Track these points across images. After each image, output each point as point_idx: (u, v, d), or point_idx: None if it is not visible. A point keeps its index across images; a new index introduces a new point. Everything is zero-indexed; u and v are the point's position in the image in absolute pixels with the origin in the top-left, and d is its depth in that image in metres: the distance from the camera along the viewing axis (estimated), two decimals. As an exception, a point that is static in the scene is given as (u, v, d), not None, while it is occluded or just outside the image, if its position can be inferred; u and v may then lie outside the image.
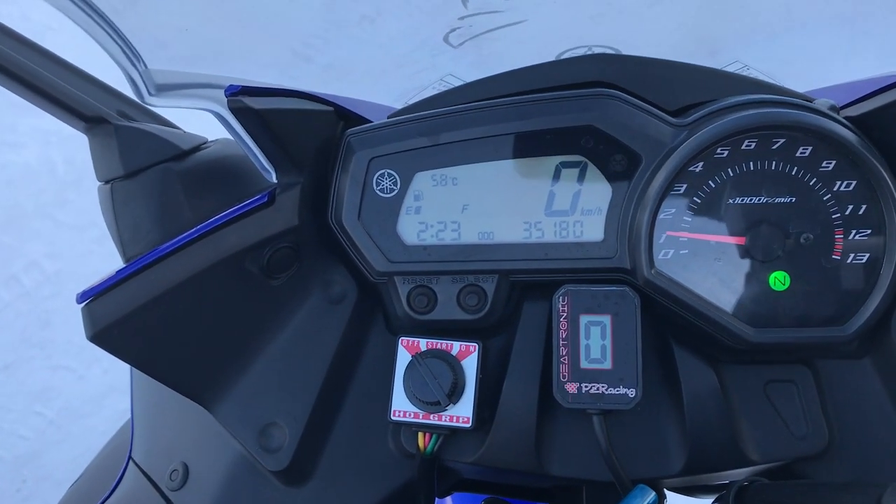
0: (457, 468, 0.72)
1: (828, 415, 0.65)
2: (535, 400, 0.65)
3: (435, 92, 0.69)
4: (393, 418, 0.64)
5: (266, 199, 0.63)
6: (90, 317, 0.58)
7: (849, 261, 0.61)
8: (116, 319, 0.59)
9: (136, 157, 0.64)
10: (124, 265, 0.61)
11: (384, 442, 0.69)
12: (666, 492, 0.89)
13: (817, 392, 0.65)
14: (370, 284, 0.69)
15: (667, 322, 0.65)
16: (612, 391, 0.62)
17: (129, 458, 0.75)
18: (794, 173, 0.61)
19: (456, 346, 0.65)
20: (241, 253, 0.63)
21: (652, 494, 0.56)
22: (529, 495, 0.78)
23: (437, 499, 0.99)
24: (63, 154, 3.22)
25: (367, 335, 0.70)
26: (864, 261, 0.61)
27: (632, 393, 0.62)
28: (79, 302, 0.58)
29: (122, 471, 0.75)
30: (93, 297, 0.58)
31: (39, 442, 2.67)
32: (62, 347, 2.85)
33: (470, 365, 0.65)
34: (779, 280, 0.62)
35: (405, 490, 0.69)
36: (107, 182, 0.65)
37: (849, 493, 0.48)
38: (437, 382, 0.63)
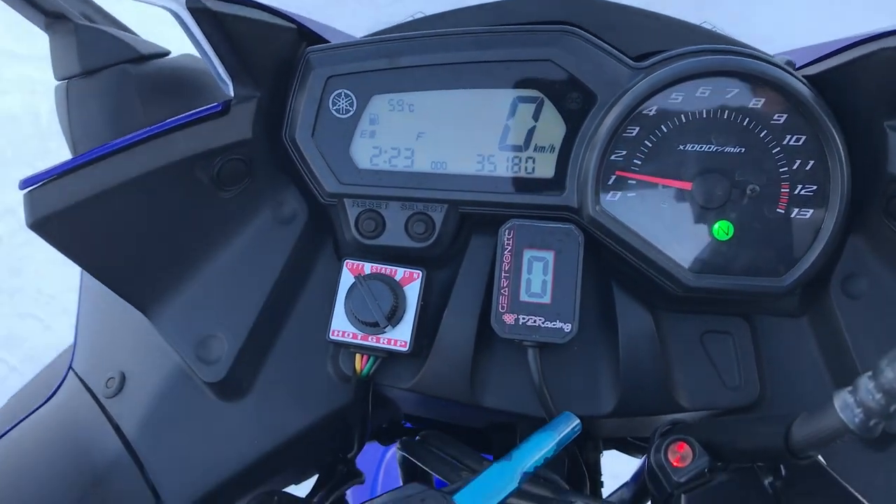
0: (394, 400, 0.72)
1: (761, 369, 0.66)
2: (473, 331, 0.65)
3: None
4: (331, 337, 0.64)
5: (220, 108, 0.63)
6: (31, 204, 0.58)
7: (792, 215, 0.62)
8: (58, 210, 0.58)
9: (95, 56, 0.64)
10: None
11: (323, 365, 0.69)
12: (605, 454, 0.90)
13: (753, 346, 0.66)
14: (320, 208, 0.69)
15: (609, 265, 0.66)
16: (549, 325, 0.62)
17: (70, 367, 0.75)
18: (745, 124, 0.62)
19: (400, 272, 0.65)
20: (191, 159, 0.63)
21: (576, 422, 0.56)
22: (464, 438, 0.79)
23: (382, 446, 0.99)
24: (48, 104, 3.19)
25: (313, 259, 0.70)
26: (807, 216, 0.62)
27: (567, 328, 0.62)
28: (21, 188, 0.58)
29: (60, 380, 0.75)
30: (36, 185, 0.58)
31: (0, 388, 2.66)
32: (31, 296, 2.83)
33: (412, 291, 0.65)
34: (722, 230, 0.62)
35: (340, 415, 0.69)
36: (63, 79, 0.65)
37: (763, 424, 0.49)
38: (378, 304, 0.63)
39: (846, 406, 0.42)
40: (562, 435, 0.55)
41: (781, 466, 0.52)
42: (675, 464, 0.52)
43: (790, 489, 0.52)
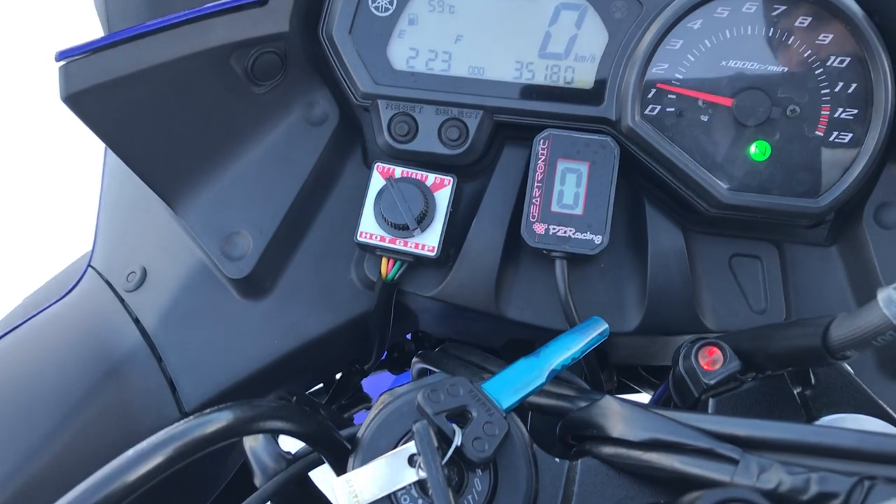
0: (414, 312, 0.72)
1: (788, 295, 0.65)
2: (501, 241, 0.65)
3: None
4: (359, 239, 0.64)
5: None
6: (66, 77, 0.57)
7: (831, 138, 0.61)
8: (92, 85, 0.58)
9: None
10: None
11: (346, 271, 0.68)
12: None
13: (781, 272, 0.65)
14: (351, 113, 0.68)
15: (643, 181, 0.65)
16: (579, 236, 0.62)
17: (88, 265, 0.75)
18: (790, 42, 0.61)
19: (431, 178, 0.65)
20: (227, 48, 0.62)
21: (605, 326, 0.56)
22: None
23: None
24: None
25: (341, 165, 0.69)
26: (845, 141, 0.61)
27: (598, 239, 0.62)
28: (57, 60, 0.57)
29: (79, 277, 0.74)
30: (71, 58, 0.57)
31: None
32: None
33: (442, 197, 0.64)
34: (760, 149, 0.62)
35: (361, 322, 0.69)
36: None
37: (799, 326, 0.48)
38: (408, 206, 0.63)
39: (891, 301, 0.42)
40: (589, 338, 0.55)
41: (812, 376, 0.52)
42: (705, 367, 0.52)
43: (819, 399, 0.52)
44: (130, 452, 0.41)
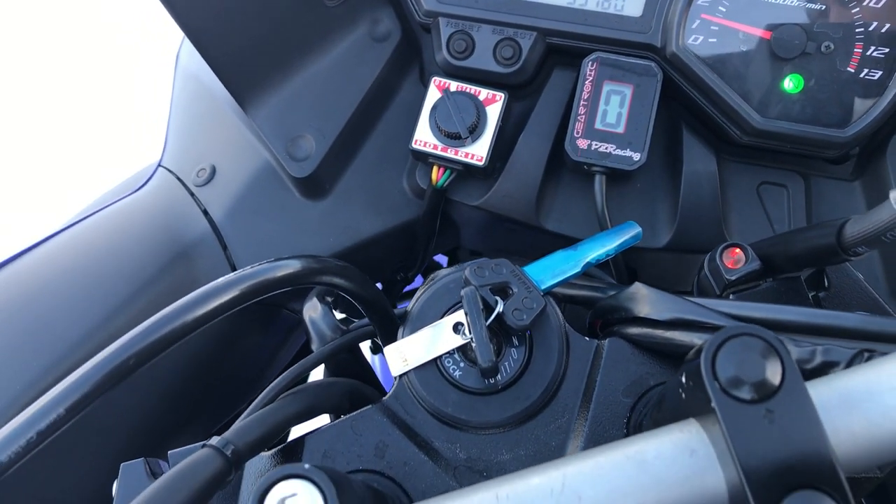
0: (458, 225, 0.77)
1: (811, 223, 0.70)
2: (545, 155, 0.70)
3: None
4: (414, 147, 0.69)
5: None
6: None
7: (861, 75, 0.65)
8: None
9: None
10: None
11: (399, 179, 0.74)
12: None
13: (805, 202, 0.70)
14: (411, 32, 0.73)
15: (682, 108, 0.70)
16: (619, 152, 0.67)
17: (159, 165, 0.81)
18: None
19: (484, 93, 0.70)
20: None
21: (638, 230, 0.61)
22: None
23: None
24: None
25: (400, 80, 0.74)
26: (875, 78, 0.65)
27: (637, 156, 0.67)
28: (153, -43, 0.62)
29: (150, 175, 0.81)
30: None
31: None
32: None
33: (493, 111, 0.69)
34: (794, 82, 0.66)
35: (409, 227, 0.74)
36: None
37: (816, 228, 0.53)
38: (461, 117, 0.68)
39: None
40: (623, 238, 0.60)
41: (826, 280, 0.56)
42: (728, 266, 0.56)
43: (831, 301, 0.56)
44: (212, 285, 0.47)
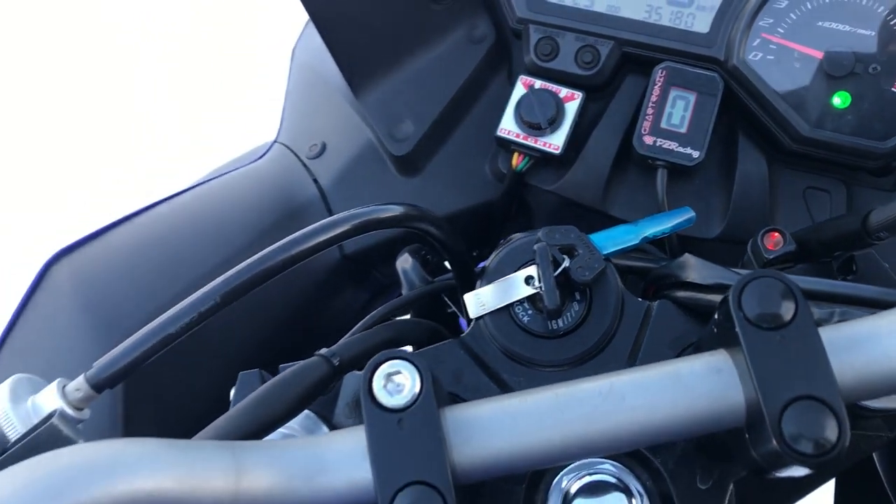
0: (532, 209, 0.87)
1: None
2: (614, 150, 0.79)
3: None
4: (499, 134, 0.79)
5: None
6: None
7: None
8: None
9: None
10: None
11: (482, 163, 0.84)
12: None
13: (847, 208, 0.78)
14: (504, 37, 0.84)
15: (739, 115, 0.78)
16: (681, 150, 0.76)
17: (275, 141, 0.93)
18: (879, 10, 0.73)
19: (564, 91, 0.80)
20: None
21: (692, 214, 0.70)
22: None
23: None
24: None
25: (490, 78, 0.85)
26: None
27: (696, 154, 0.76)
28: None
29: (266, 149, 0.93)
30: None
31: None
32: None
33: (571, 108, 0.79)
34: (841, 98, 0.74)
35: (488, 208, 0.85)
36: None
37: (845, 217, 0.61)
38: (543, 110, 0.78)
39: None
40: (679, 220, 0.69)
41: (854, 265, 0.65)
42: (768, 247, 0.65)
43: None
44: (333, 217, 0.57)
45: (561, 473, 0.58)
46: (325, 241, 0.57)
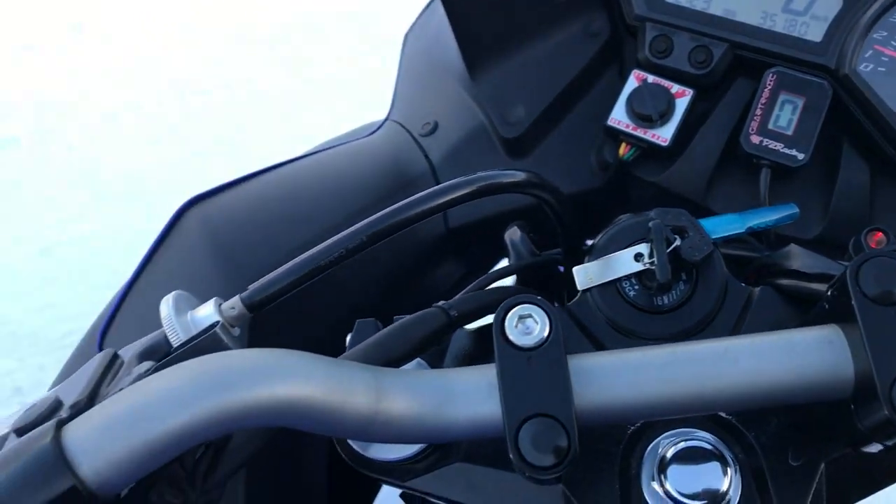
0: (633, 198, 0.90)
1: None
2: (720, 148, 0.82)
3: None
4: (609, 124, 0.83)
5: None
6: None
7: None
8: None
9: None
10: None
11: (588, 153, 0.88)
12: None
13: None
14: (618, 33, 0.87)
15: (845, 123, 0.81)
16: (786, 151, 0.79)
17: (387, 119, 0.98)
18: None
19: (675, 87, 0.83)
20: None
21: (796, 210, 0.73)
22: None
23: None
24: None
25: (602, 71, 0.89)
26: None
27: (801, 156, 0.78)
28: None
29: (378, 125, 0.98)
30: None
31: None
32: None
33: (681, 103, 0.82)
34: (950, 112, 0.76)
35: (589, 195, 0.88)
36: None
37: None
38: (654, 103, 0.81)
39: None
40: (783, 214, 0.72)
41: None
42: (871, 246, 0.68)
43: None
44: (456, 180, 0.62)
45: (658, 438, 0.61)
46: (457, 199, 0.61)
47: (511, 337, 0.51)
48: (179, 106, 3.29)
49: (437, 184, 0.88)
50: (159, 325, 0.58)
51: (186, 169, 3.06)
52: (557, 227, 0.70)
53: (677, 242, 0.64)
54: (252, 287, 0.56)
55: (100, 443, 0.42)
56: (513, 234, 0.75)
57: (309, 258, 0.56)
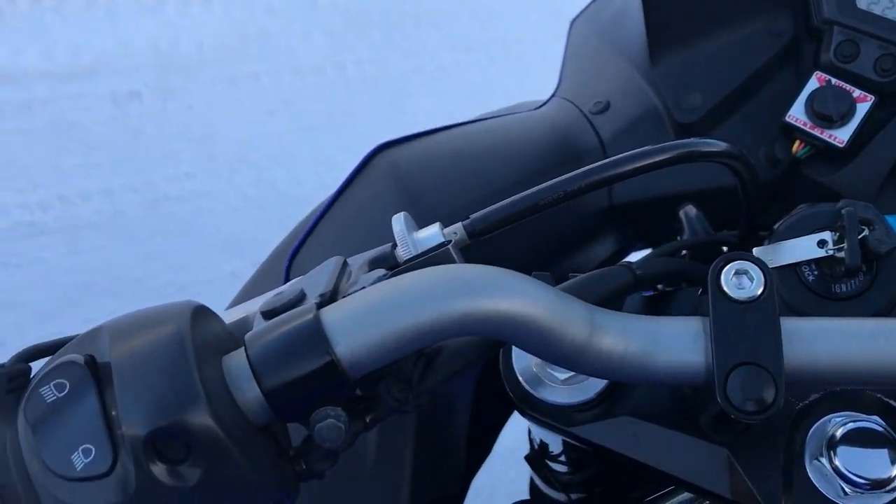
0: (797, 195, 0.92)
1: None
2: (895, 156, 0.83)
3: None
4: (786, 120, 0.85)
5: None
6: None
7: None
8: None
9: None
10: None
11: (757, 148, 0.90)
12: None
13: None
14: (801, 34, 0.89)
15: None
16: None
17: (553, 95, 1.01)
18: None
19: (857, 92, 0.84)
20: None
21: None
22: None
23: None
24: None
25: (777, 72, 0.91)
26: None
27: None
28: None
29: (545, 101, 1.01)
30: None
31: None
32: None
33: (862, 108, 0.84)
34: None
35: (755, 189, 0.90)
36: None
37: None
38: (837, 104, 0.83)
39: None
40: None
41: None
42: None
43: None
44: (651, 147, 0.64)
45: (828, 417, 0.63)
46: (659, 162, 0.64)
47: (726, 289, 0.54)
48: (296, 82, 3.39)
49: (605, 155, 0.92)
50: (344, 253, 0.62)
51: (296, 142, 3.15)
52: (743, 206, 0.72)
53: (865, 233, 0.66)
54: (473, 216, 0.60)
55: (356, 326, 0.47)
56: (689, 210, 0.78)
57: (529, 195, 0.60)
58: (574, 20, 1.10)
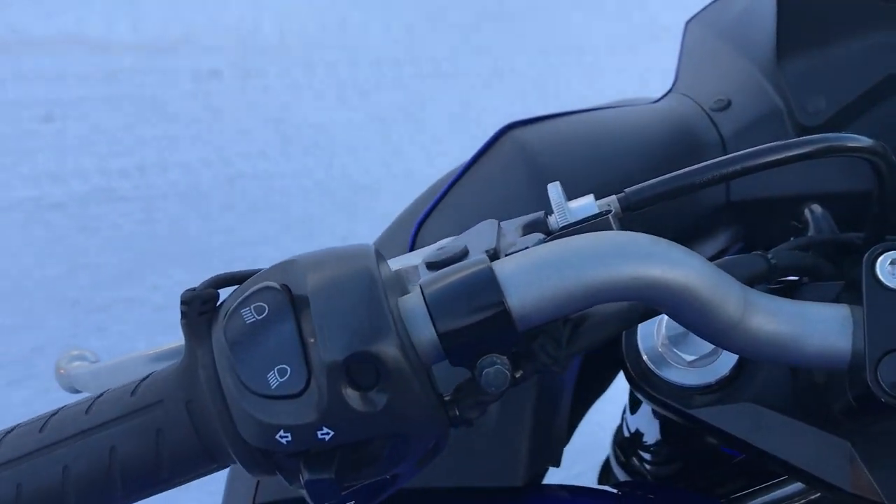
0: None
1: None
2: None
3: None
4: None
5: None
6: None
7: None
8: None
9: None
10: None
11: None
12: None
13: None
14: None
15: None
16: None
17: (670, 90, 1.02)
18: None
19: None
20: None
21: None
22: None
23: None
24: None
25: None
26: None
27: None
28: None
29: (662, 96, 1.02)
30: None
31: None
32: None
33: None
34: None
35: (868, 196, 0.90)
36: None
37: None
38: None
39: None
40: None
41: None
42: None
43: None
44: (795, 139, 0.65)
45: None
46: (803, 154, 0.64)
47: (881, 276, 0.55)
48: (372, 73, 3.43)
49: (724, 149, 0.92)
50: (469, 225, 0.64)
51: (368, 132, 3.19)
52: (875, 206, 0.72)
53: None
54: (629, 190, 0.61)
55: (529, 280, 0.49)
56: (815, 209, 0.79)
57: (685, 174, 0.61)
58: (689, 21, 1.12)
